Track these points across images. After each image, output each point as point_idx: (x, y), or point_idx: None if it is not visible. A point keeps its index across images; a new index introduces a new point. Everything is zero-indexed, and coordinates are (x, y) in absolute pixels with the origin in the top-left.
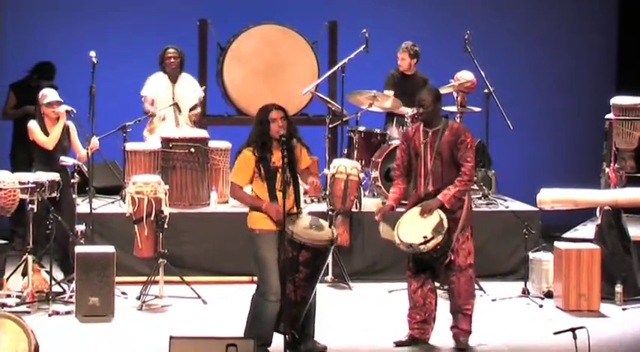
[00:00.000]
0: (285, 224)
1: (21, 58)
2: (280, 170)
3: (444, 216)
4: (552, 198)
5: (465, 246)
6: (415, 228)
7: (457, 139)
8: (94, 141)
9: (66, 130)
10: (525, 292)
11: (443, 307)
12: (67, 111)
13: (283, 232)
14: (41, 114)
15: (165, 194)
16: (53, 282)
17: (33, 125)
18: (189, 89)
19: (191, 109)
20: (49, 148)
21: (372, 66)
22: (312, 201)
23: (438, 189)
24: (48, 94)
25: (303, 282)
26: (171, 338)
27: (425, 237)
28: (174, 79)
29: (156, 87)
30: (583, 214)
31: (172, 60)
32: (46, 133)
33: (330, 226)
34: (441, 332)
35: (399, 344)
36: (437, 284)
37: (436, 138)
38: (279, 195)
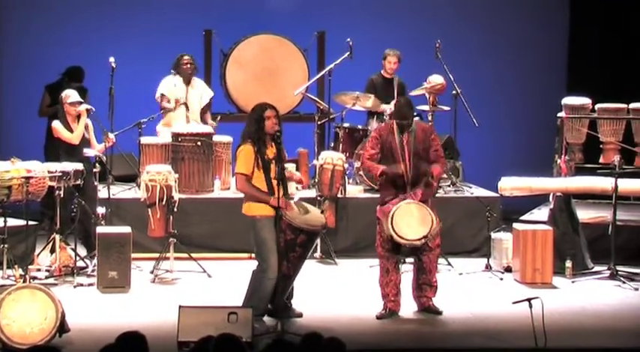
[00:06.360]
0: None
1: (53, 59)
2: (274, 162)
3: (434, 217)
4: (511, 185)
5: None
6: (411, 224)
7: (428, 136)
8: (111, 137)
9: (85, 126)
10: (488, 267)
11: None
12: (87, 110)
13: (279, 217)
14: (64, 113)
15: (175, 181)
16: (77, 258)
17: (57, 124)
18: (199, 92)
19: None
20: (74, 143)
21: (356, 70)
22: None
23: (416, 182)
24: (70, 95)
25: (296, 260)
26: (180, 307)
27: (425, 237)
28: (187, 82)
29: (172, 87)
30: (538, 200)
31: (188, 65)
32: (69, 129)
33: (321, 212)
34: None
35: (380, 317)
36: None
37: (411, 137)
38: (274, 183)
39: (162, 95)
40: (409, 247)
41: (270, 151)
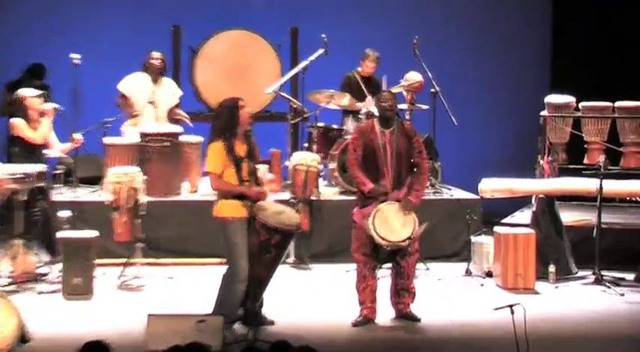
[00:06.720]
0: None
1: (13, 57)
2: (245, 160)
3: (416, 218)
4: (492, 187)
5: None
6: (393, 225)
7: (411, 139)
8: (78, 137)
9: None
10: (468, 272)
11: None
12: (55, 109)
13: (252, 218)
14: (25, 110)
15: (142, 184)
16: (40, 264)
17: (18, 122)
18: (168, 91)
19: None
20: (38, 143)
21: (330, 68)
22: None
23: (398, 184)
24: (29, 91)
25: (271, 262)
26: (149, 315)
27: (409, 239)
28: (155, 80)
29: (134, 84)
30: (520, 202)
31: (159, 61)
32: (31, 128)
33: (295, 211)
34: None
35: (355, 324)
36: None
37: (393, 137)
38: (246, 183)
39: (119, 91)
40: (391, 249)
41: (241, 148)
